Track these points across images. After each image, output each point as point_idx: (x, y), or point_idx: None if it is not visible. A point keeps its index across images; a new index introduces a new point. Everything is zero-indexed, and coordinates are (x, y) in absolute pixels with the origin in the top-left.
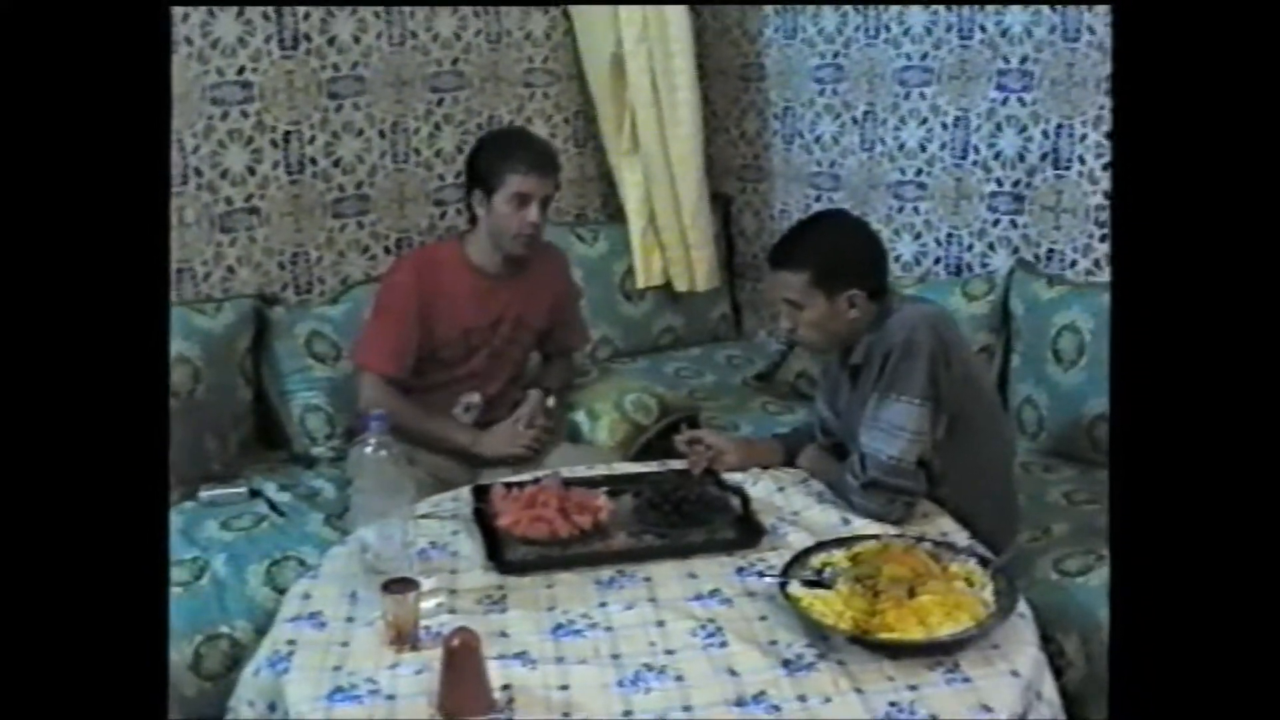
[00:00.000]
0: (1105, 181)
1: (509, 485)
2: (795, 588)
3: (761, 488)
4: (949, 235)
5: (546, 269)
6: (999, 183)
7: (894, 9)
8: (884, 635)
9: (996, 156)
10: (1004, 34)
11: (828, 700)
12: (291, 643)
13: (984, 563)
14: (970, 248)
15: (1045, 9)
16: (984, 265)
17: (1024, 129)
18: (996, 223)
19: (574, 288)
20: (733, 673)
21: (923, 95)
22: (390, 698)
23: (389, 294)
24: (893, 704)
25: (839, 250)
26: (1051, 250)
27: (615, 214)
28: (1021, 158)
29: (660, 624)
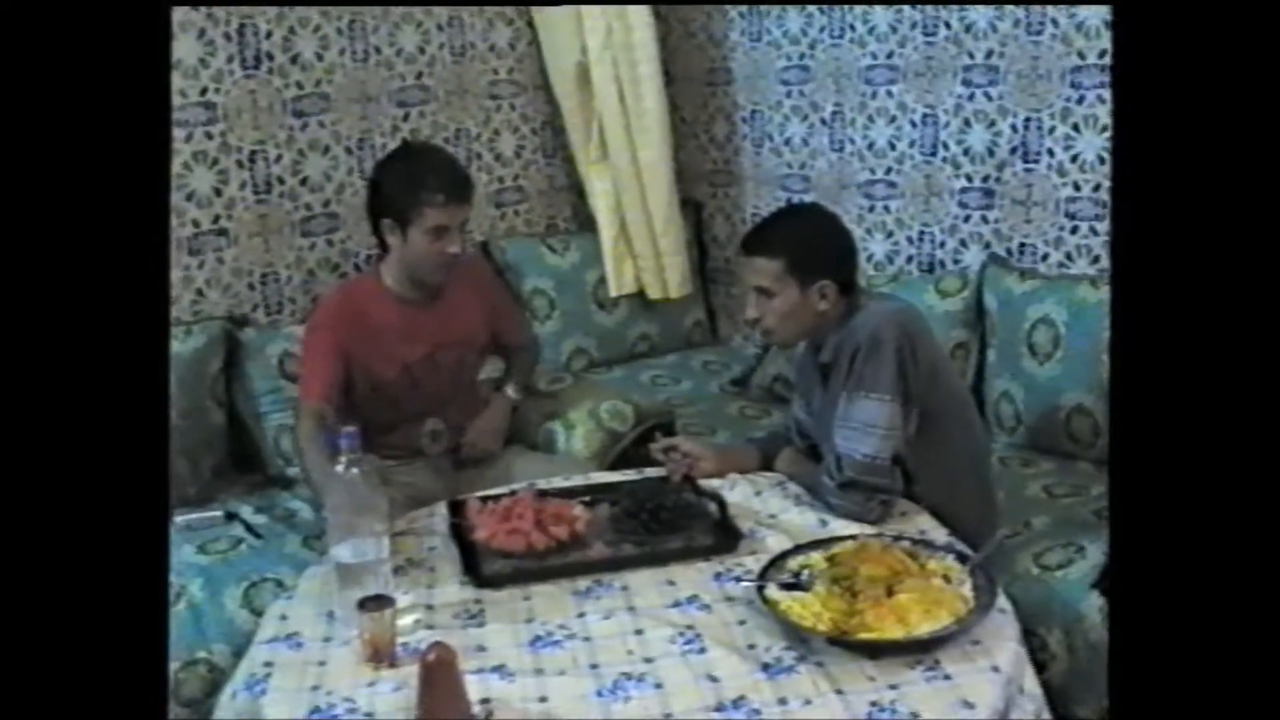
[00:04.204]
0: (1074, 173)
1: (485, 499)
2: (773, 591)
3: (739, 493)
4: (920, 233)
5: (470, 281)
6: (969, 178)
7: (859, 8)
8: (863, 635)
9: (965, 152)
10: (968, 29)
11: (808, 703)
12: (269, 664)
13: (962, 559)
14: (942, 244)
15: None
16: (956, 261)
17: (992, 123)
18: (968, 218)
19: (501, 288)
20: (712, 678)
21: (890, 93)
22: (369, 715)
23: (310, 337)
24: (874, 704)
25: (814, 239)
26: (1023, 244)
27: (586, 223)
28: (990, 152)
29: (639, 632)
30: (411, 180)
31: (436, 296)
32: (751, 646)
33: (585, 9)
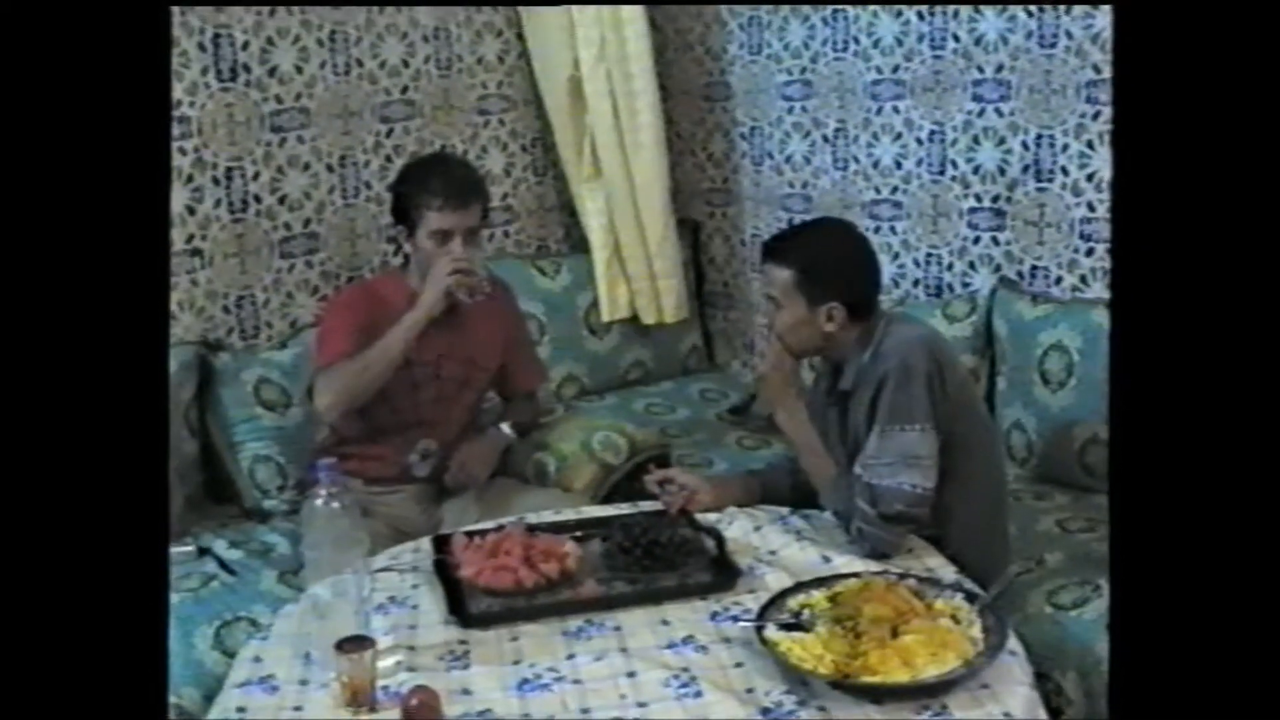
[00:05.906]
0: (1089, 193)
1: (471, 534)
2: (772, 632)
3: (737, 527)
4: (928, 255)
5: (492, 303)
6: (978, 198)
7: (864, 20)
8: (867, 679)
9: (975, 171)
10: (978, 42)
11: None
12: (241, 710)
13: (971, 598)
14: (950, 267)
15: (1020, 14)
16: (965, 285)
17: (1003, 141)
18: (977, 240)
19: (524, 327)
20: None
21: (896, 109)
22: None
23: (329, 312)
24: None
25: (827, 259)
26: (1035, 267)
27: (578, 244)
28: (1001, 171)
29: (631, 675)
30: (415, 185)
31: (456, 307)
32: (750, 690)
33: (578, 19)
